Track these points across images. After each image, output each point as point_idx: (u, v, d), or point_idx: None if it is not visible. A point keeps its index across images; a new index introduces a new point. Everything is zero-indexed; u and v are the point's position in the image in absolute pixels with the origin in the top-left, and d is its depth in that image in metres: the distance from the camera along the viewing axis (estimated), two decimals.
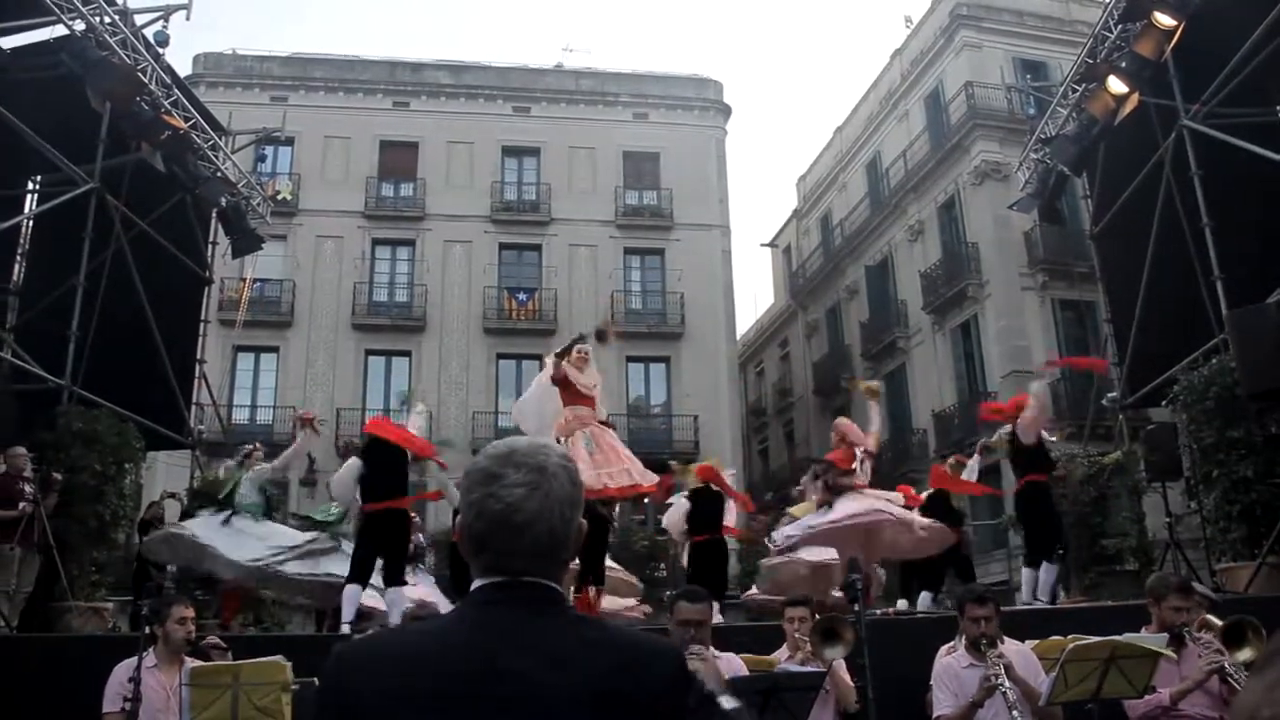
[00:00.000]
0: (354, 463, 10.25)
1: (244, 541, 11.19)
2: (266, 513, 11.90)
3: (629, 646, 1.76)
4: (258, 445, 12.76)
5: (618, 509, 9.46)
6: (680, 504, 12.56)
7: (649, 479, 8.84)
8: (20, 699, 7.51)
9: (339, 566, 10.73)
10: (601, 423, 9.33)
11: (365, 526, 9.90)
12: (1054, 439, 11.97)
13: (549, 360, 9.34)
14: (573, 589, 9.44)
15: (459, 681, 1.66)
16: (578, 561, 10.47)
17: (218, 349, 24.21)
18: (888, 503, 10.91)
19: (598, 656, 1.70)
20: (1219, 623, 5.88)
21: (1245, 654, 5.60)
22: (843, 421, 11.94)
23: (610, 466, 8.66)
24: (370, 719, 1.68)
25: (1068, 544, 11.75)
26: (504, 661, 1.67)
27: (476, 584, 1.82)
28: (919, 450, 29.22)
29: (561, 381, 9.05)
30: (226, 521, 11.42)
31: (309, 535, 11.69)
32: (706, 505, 11.98)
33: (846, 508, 10.56)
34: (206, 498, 12.39)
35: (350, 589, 9.62)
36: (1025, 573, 11.05)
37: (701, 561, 11.79)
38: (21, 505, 10.20)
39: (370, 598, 10.55)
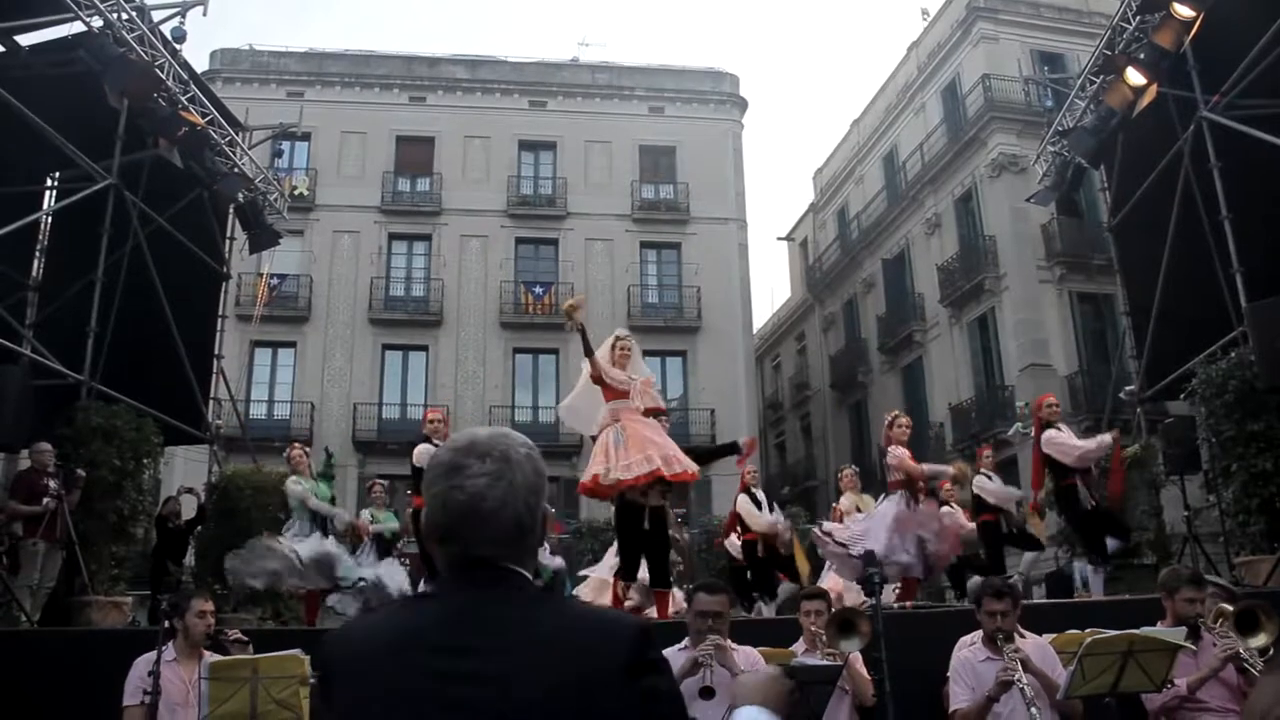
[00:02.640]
0: (426, 448, 10.17)
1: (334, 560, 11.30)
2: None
3: (593, 625, 1.79)
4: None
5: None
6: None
7: (677, 468, 8.75)
8: (41, 693, 7.55)
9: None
10: (653, 412, 9.23)
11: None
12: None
13: (584, 363, 9.31)
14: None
15: (432, 660, 1.69)
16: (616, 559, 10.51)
17: (235, 344, 24.29)
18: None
19: (563, 635, 1.73)
20: (1230, 608, 5.86)
21: (1259, 640, 5.58)
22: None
23: (629, 458, 8.61)
24: (349, 696, 1.74)
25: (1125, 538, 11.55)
26: (475, 641, 1.70)
27: (444, 571, 1.85)
28: (936, 443, 29.14)
29: (598, 380, 9.03)
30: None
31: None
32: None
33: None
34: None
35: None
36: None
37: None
38: (46, 501, 10.26)
39: None
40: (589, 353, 9.05)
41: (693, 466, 8.81)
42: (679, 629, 5.78)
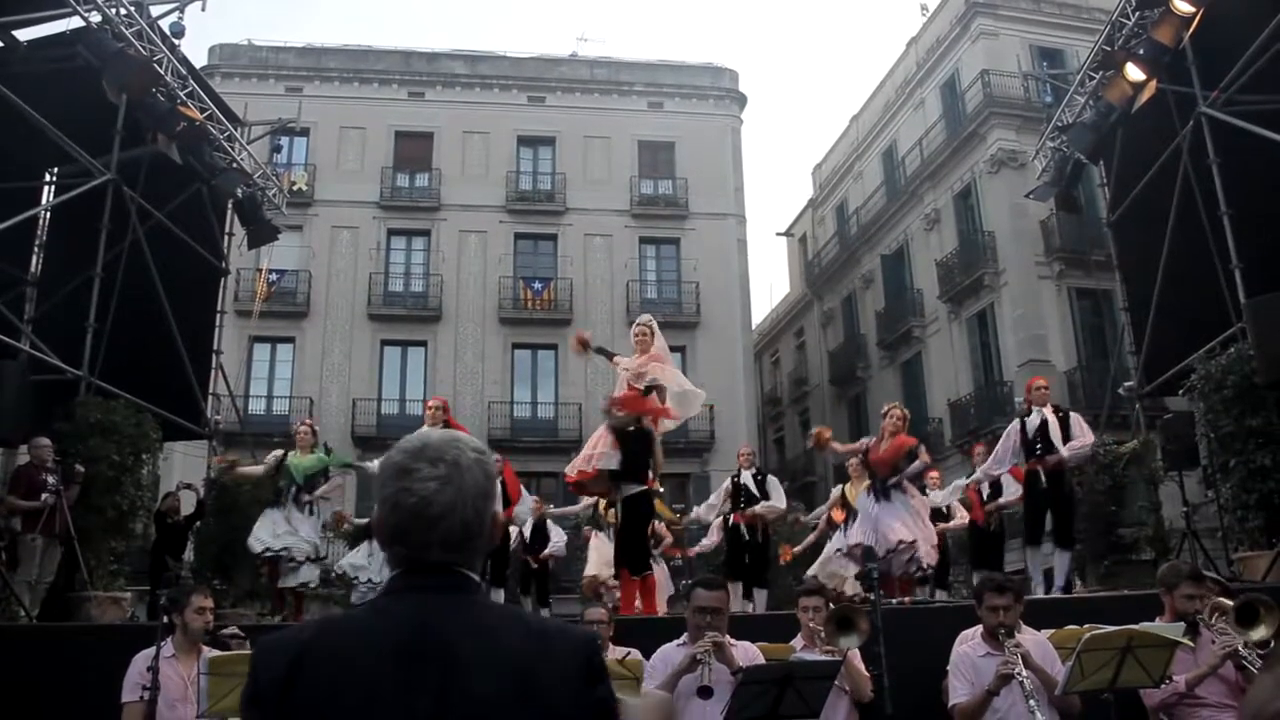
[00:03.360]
0: None
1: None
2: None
3: (541, 633, 1.80)
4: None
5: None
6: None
7: (584, 467, 9.14)
8: (40, 688, 7.56)
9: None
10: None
11: None
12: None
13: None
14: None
15: (386, 668, 1.69)
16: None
17: (234, 339, 24.27)
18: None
19: (513, 638, 1.74)
20: (1229, 603, 5.87)
21: (1259, 633, 5.60)
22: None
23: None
24: (299, 704, 1.69)
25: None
26: (428, 639, 1.71)
27: (392, 574, 1.86)
28: (935, 439, 29.14)
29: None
30: None
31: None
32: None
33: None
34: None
35: None
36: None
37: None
38: (44, 496, 10.27)
39: None
40: (609, 357, 9.38)
41: (590, 466, 9.04)
42: (679, 625, 5.79)
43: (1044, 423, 10.82)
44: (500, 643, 1.73)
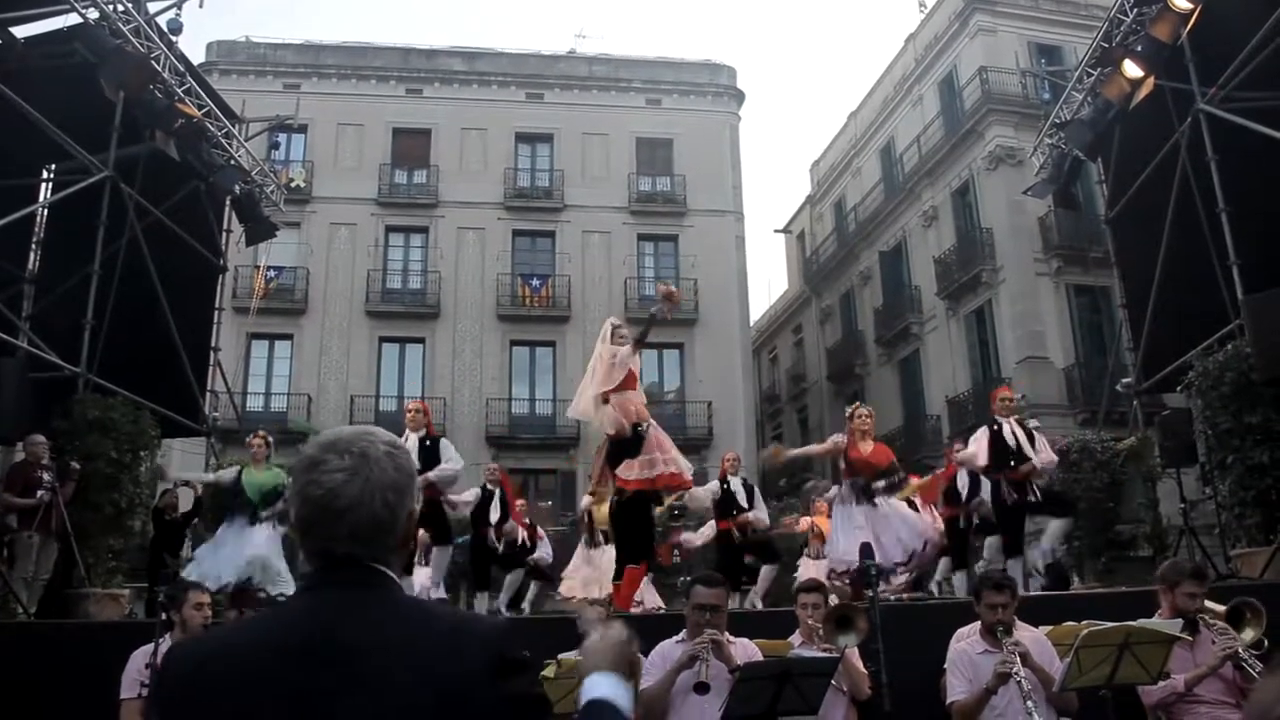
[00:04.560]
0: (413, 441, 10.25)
1: None
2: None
3: (452, 628, 1.77)
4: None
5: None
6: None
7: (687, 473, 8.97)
8: (38, 685, 7.55)
9: None
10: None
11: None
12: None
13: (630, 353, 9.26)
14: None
15: (289, 671, 1.66)
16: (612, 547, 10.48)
17: (232, 337, 24.26)
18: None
19: (421, 635, 1.71)
20: (1219, 607, 5.87)
21: (1248, 634, 5.62)
22: None
23: (666, 454, 8.75)
24: (191, 704, 1.68)
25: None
26: (326, 638, 1.68)
27: (306, 569, 1.84)
28: (933, 436, 29.18)
29: (625, 372, 9.09)
30: None
31: None
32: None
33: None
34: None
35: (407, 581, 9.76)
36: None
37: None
38: (40, 493, 10.27)
39: None
40: (643, 342, 9.19)
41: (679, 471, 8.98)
42: (678, 621, 5.79)
43: (1015, 434, 10.87)
44: (403, 641, 1.69)
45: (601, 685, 1.95)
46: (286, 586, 10.71)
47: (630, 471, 8.65)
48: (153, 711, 1.76)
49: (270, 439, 11.77)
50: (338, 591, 1.77)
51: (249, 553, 10.63)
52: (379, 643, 1.68)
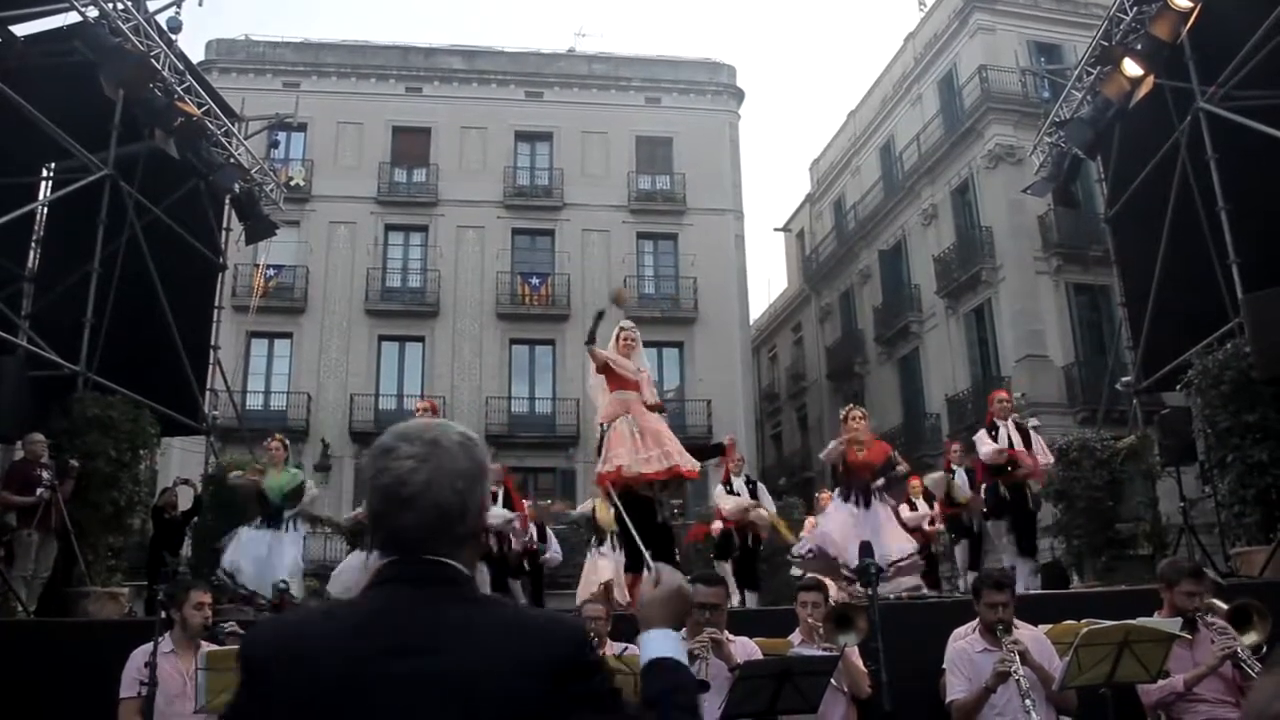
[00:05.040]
0: None
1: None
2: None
3: (525, 625, 1.75)
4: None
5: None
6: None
7: (688, 464, 8.78)
8: (38, 683, 7.55)
9: None
10: (652, 407, 9.19)
11: None
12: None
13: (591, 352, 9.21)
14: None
15: (350, 662, 1.66)
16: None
17: (232, 335, 24.25)
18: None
19: (490, 635, 1.69)
20: (1224, 606, 5.88)
21: (1251, 637, 5.61)
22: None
23: (648, 451, 8.64)
24: (271, 692, 1.69)
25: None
26: (401, 634, 1.67)
27: (377, 563, 1.82)
28: (932, 434, 29.18)
29: (604, 369, 9.01)
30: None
31: None
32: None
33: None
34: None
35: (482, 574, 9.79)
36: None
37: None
38: (39, 491, 10.27)
39: None
40: (591, 339, 9.03)
41: (695, 464, 8.83)
42: None
43: (1010, 437, 10.92)
44: (471, 637, 1.67)
45: (660, 642, 1.92)
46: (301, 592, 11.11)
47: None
48: (241, 681, 1.76)
49: (287, 442, 12.06)
50: (407, 587, 1.75)
51: (283, 574, 10.80)
52: (447, 640, 1.67)
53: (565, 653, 1.68)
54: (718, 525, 12.73)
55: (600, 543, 12.58)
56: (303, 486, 11.49)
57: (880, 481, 9.79)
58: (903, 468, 10.29)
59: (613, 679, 1.78)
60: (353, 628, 1.72)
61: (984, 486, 11.57)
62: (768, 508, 12.18)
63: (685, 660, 1.92)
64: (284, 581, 10.61)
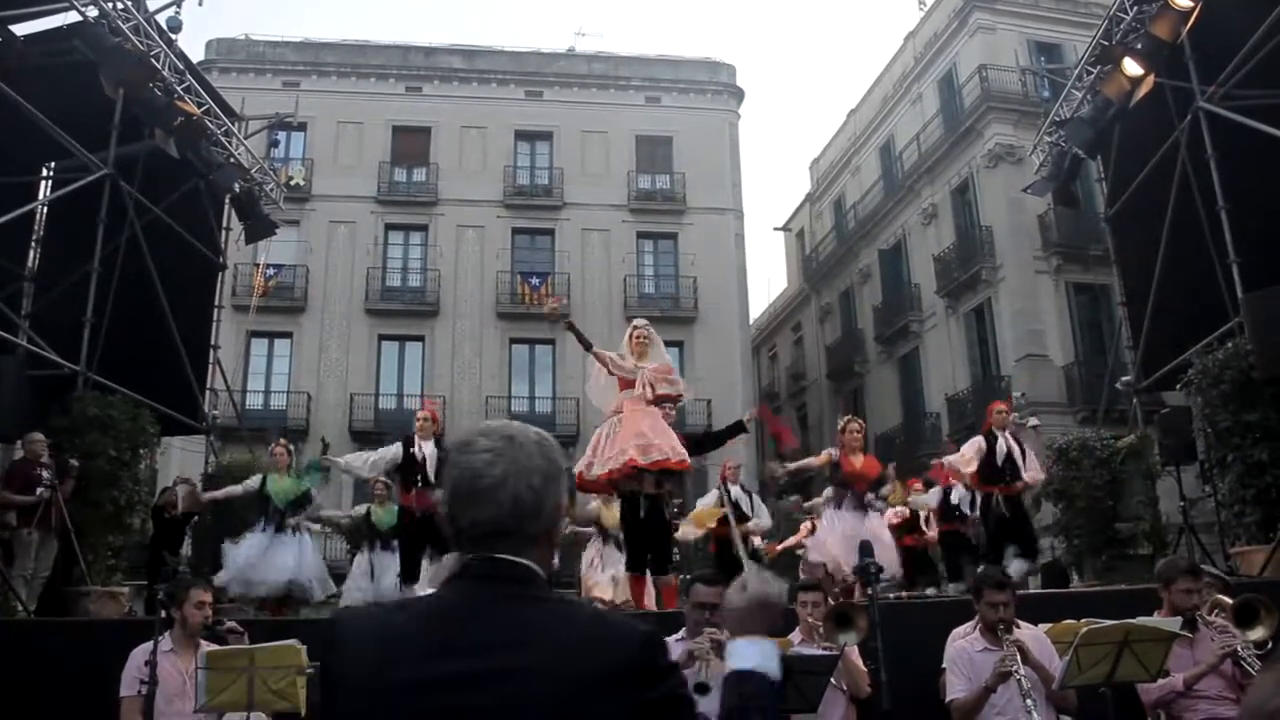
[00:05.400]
0: (397, 448, 10.32)
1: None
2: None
3: (593, 626, 1.75)
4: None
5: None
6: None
7: (655, 455, 8.66)
8: (38, 683, 7.55)
9: None
10: (667, 398, 9.11)
11: (418, 521, 10.14)
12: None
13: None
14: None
15: (423, 658, 1.67)
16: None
17: (231, 335, 24.22)
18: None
19: (559, 635, 1.69)
20: (1230, 601, 5.88)
21: (1258, 633, 5.61)
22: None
23: (611, 451, 8.57)
24: (346, 686, 1.72)
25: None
26: (459, 637, 1.68)
27: (455, 554, 1.84)
28: (932, 434, 29.16)
29: (609, 372, 9.01)
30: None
31: None
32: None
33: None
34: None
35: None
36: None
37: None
38: (39, 490, 10.27)
39: None
40: (587, 347, 8.98)
41: (679, 455, 8.67)
42: (677, 619, 5.78)
43: (1009, 449, 10.98)
44: (539, 636, 1.68)
45: (747, 653, 1.92)
46: (323, 593, 11.51)
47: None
48: (320, 665, 1.81)
49: (292, 448, 12.37)
50: (477, 584, 1.77)
51: (283, 575, 11.10)
52: (512, 638, 1.67)
53: (632, 655, 1.68)
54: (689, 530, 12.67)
55: (605, 541, 12.44)
56: (308, 495, 11.72)
57: (870, 496, 10.11)
58: (888, 489, 10.52)
59: (684, 685, 1.78)
60: (419, 623, 1.75)
61: (980, 499, 11.73)
62: (765, 521, 12.29)
63: (774, 669, 1.92)
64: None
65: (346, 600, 12.13)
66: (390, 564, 11.74)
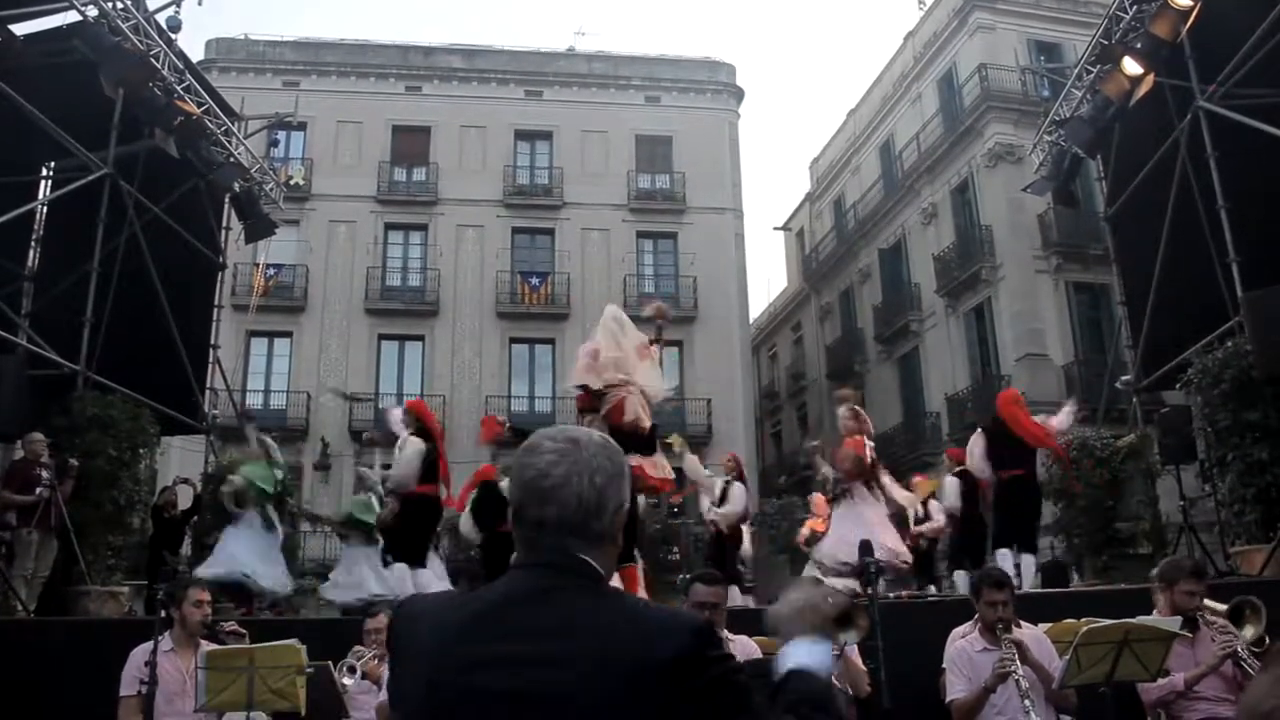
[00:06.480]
0: (419, 444, 10.36)
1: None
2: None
3: (646, 617, 1.77)
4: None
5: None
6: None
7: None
8: (38, 682, 7.56)
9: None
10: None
11: (426, 509, 10.37)
12: None
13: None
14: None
15: (478, 640, 1.73)
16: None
17: (231, 334, 24.21)
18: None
19: (612, 625, 1.73)
20: (1221, 607, 5.87)
21: (1249, 631, 5.62)
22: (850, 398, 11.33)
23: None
24: (408, 671, 1.84)
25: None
26: (521, 624, 1.73)
27: (517, 553, 1.90)
28: (932, 433, 29.19)
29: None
30: None
31: None
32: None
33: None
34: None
35: (420, 574, 10.03)
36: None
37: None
38: (39, 490, 10.28)
39: None
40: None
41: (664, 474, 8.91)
42: None
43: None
44: (592, 624, 1.72)
45: (798, 652, 1.95)
46: (273, 586, 11.64)
47: (653, 470, 8.72)
48: (390, 650, 1.99)
49: (266, 438, 12.83)
50: (533, 576, 1.82)
51: (241, 558, 11.44)
52: (568, 625, 1.72)
53: (682, 645, 1.69)
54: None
55: None
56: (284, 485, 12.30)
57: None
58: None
59: (741, 673, 1.79)
60: (479, 607, 1.81)
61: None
62: (733, 508, 12.44)
63: (826, 666, 1.96)
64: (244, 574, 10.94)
65: (327, 593, 12.21)
66: (362, 556, 11.78)
